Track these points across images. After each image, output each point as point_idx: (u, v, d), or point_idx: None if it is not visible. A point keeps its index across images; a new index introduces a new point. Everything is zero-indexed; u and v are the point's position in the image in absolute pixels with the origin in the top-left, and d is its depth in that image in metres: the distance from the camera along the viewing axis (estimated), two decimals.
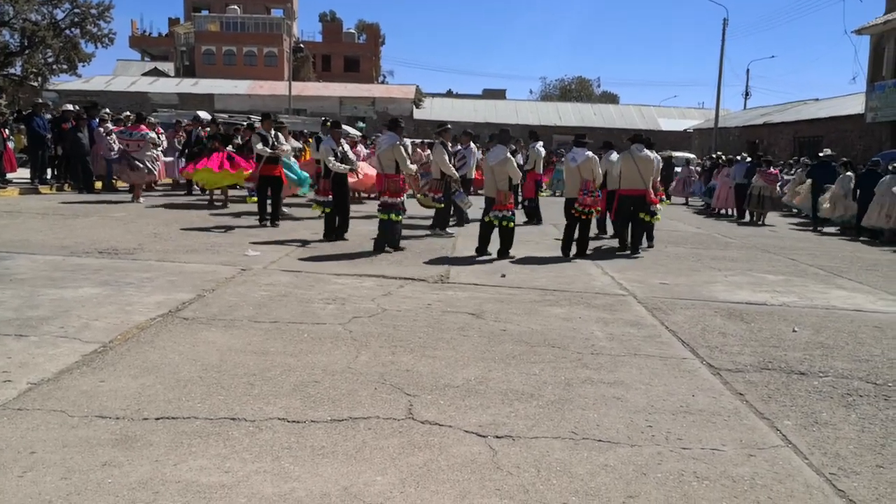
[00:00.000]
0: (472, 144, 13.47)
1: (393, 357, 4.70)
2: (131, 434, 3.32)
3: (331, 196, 9.94)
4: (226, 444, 3.27)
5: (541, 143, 14.43)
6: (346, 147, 10.52)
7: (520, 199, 14.31)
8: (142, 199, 14.12)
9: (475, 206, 11.55)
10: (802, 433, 3.76)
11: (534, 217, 13.91)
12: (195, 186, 15.71)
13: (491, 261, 9.04)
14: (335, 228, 10.18)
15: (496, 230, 9.26)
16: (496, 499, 2.89)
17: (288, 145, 11.85)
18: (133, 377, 4.08)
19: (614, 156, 11.11)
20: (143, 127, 14.59)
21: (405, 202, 9.67)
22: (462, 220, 12.84)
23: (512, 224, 9.19)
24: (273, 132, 11.40)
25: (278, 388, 4.03)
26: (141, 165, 14.04)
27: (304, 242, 9.75)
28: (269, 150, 11.10)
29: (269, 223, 11.25)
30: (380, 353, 4.77)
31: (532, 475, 3.11)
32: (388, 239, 9.31)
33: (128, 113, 19.00)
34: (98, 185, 15.86)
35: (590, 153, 9.56)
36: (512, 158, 9.41)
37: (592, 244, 11.01)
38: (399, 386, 4.15)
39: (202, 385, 4.01)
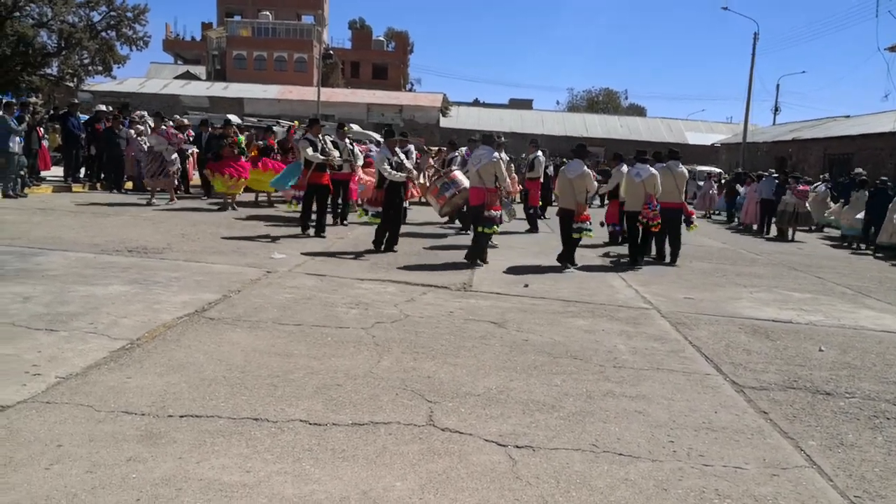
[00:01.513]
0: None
1: (415, 363, 4.72)
2: (156, 431, 3.37)
3: (382, 207, 9.53)
4: (248, 443, 3.30)
5: (541, 151, 14.51)
6: (402, 156, 10.06)
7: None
8: (176, 201, 14.08)
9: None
10: (827, 454, 3.71)
11: (533, 225, 13.96)
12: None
13: (560, 269, 9.33)
14: (385, 240, 9.76)
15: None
16: None
17: (337, 152, 11.27)
18: (159, 375, 4.14)
19: (625, 168, 11.41)
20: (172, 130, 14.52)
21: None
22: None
23: (591, 235, 9.73)
24: (321, 137, 10.95)
25: (301, 390, 4.06)
26: (170, 171, 13.97)
27: (357, 255, 9.41)
28: (320, 157, 10.60)
29: (312, 233, 10.73)
30: (402, 359, 4.78)
31: (551, 486, 3.10)
32: (482, 252, 9.29)
33: (102, 106, 18.87)
34: (129, 185, 16.13)
35: (652, 169, 10.06)
36: (590, 172, 9.68)
37: (605, 257, 10.98)
38: (420, 392, 4.16)
39: (226, 385, 4.05)
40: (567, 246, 9.57)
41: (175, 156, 14.17)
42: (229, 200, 13.78)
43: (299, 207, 11.10)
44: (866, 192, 15.68)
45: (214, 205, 14.11)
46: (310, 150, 10.57)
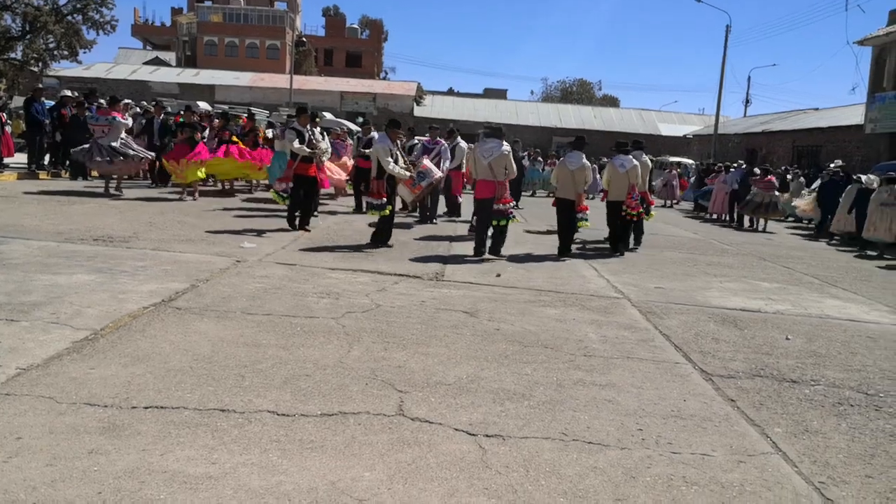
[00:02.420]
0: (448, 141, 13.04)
1: (385, 353, 4.69)
2: (119, 422, 3.30)
3: (385, 198, 9.13)
4: (214, 435, 3.25)
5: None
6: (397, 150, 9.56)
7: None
8: (121, 190, 13.09)
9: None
10: (793, 441, 3.76)
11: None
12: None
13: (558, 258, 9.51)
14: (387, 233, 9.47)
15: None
16: (484, 498, 2.88)
17: (326, 143, 10.80)
18: (123, 365, 4.06)
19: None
20: (114, 112, 12.83)
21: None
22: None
23: (588, 225, 10.04)
24: (309, 128, 10.35)
25: (269, 380, 4.01)
26: (118, 156, 12.53)
27: (328, 245, 9.44)
28: (307, 150, 10.02)
29: (297, 227, 10.23)
30: (372, 349, 4.75)
31: (521, 475, 3.09)
32: (501, 244, 9.28)
33: (67, 92, 17.94)
34: (94, 172, 15.77)
35: (635, 160, 10.31)
36: (588, 165, 9.90)
37: (576, 245, 11.04)
38: (390, 382, 4.13)
39: (192, 375, 3.99)
40: (565, 234, 9.78)
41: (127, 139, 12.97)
42: (190, 190, 13.13)
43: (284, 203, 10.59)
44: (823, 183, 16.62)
45: (174, 193, 13.64)
46: (296, 143, 10.01)
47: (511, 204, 9.28)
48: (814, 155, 30.46)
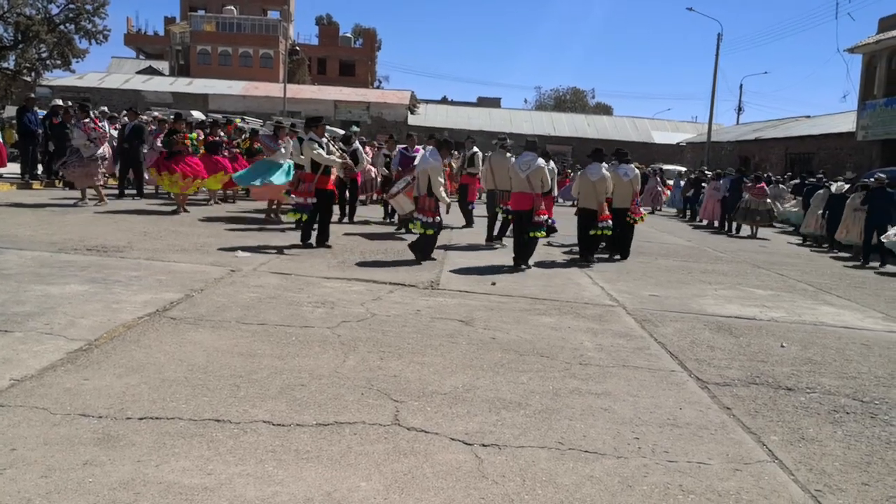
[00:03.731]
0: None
1: (381, 362, 4.68)
2: (114, 433, 3.28)
3: (439, 217, 9.14)
4: (209, 445, 3.23)
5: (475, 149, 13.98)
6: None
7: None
8: (90, 201, 12.55)
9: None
10: (789, 449, 3.77)
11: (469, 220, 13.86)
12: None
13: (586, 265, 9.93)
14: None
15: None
16: None
17: (338, 153, 10.43)
18: (118, 376, 4.04)
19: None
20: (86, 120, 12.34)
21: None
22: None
23: (609, 232, 10.30)
24: (326, 139, 9.83)
25: (264, 390, 3.99)
26: (83, 165, 12.17)
27: (323, 253, 9.62)
28: (337, 159, 9.64)
29: (316, 244, 9.66)
30: (367, 358, 4.74)
31: (517, 485, 3.09)
32: (531, 253, 9.43)
33: (59, 101, 17.22)
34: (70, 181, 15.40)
35: (636, 169, 10.90)
36: (608, 175, 10.23)
37: (567, 255, 11.07)
38: (386, 391, 4.12)
39: (187, 386, 3.97)
40: (588, 242, 10.21)
41: (101, 151, 12.47)
42: (180, 201, 12.51)
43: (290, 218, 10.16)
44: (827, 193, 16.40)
45: (168, 205, 13.12)
46: (323, 152, 9.41)
47: (546, 216, 9.57)
48: (806, 162, 30.64)
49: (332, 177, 9.80)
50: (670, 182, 27.29)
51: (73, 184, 13.09)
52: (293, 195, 9.96)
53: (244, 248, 8.93)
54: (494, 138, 15.36)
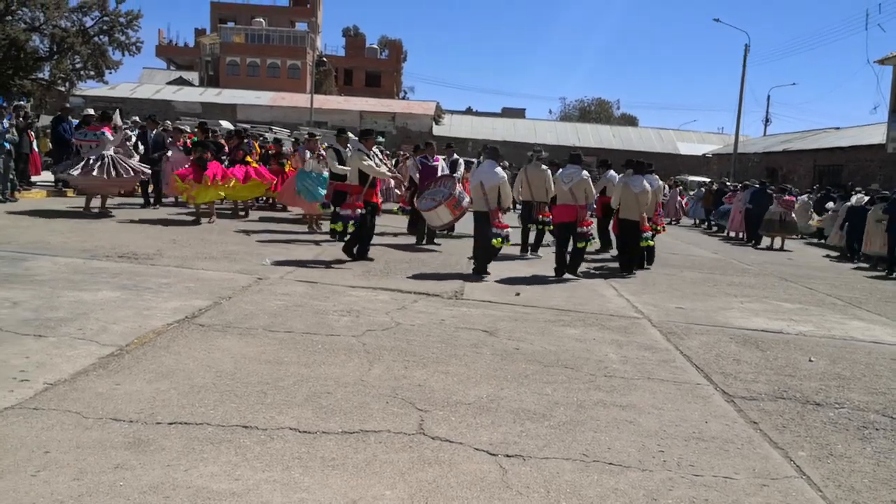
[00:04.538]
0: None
1: (405, 371, 4.71)
2: (144, 438, 3.35)
3: (508, 228, 9.14)
4: (237, 451, 3.28)
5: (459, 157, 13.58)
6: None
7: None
8: (96, 209, 12.19)
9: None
10: (817, 465, 3.72)
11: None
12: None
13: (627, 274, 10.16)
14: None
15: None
16: None
17: (385, 166, 10.26)
18: (148, 381, 4.12)
19: (611, 173, 12.57)
20: (106, 128, 12.10)
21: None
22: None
23: (651, 243, 10.74)
24: (374, 150, 9.65)
25: (291, 397, 4.04)
26: (103, 172, 11.54)
27: (349, 263, 9.67)
28: (387, 173, 9.50)
29: (357, 256, 9.43)
30: (392, 367, 4.77)
31: (542, 496, 3.09)
32: (578, 264, 9.61)
33: (90, 111, 17.45)
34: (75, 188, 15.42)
35: (659, 181, 11.24)
36: (649, 188, 10.44)
37: (598, 264, 11.03)
38: (411, 400, 4.15)
39: (216, 392, 4.03)
40: (628, 255, 10.37)
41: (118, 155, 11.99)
42: (207, 211, 12.33)
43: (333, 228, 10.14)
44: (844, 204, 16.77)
45: (189, 216, 12.80)
46: (373, 164, 9.27)
47: (590, 227, 9.70)
48: (835, 174, 30.23)
49: (377, 188, 9.80)
50: (691, 192, 27.32)
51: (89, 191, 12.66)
52: (340, 208, 9.68)
53: (275, 261, 8.96)
54: (530, 150, 15.31)
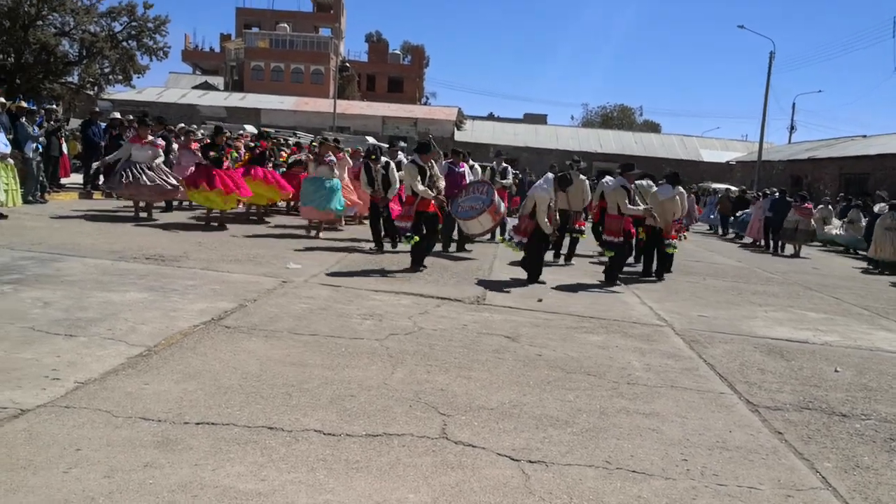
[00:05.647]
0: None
1: (428, 376, 4.73)
2: (172, 437, 3.40)
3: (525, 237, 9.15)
4: (263, 452, 3.33)
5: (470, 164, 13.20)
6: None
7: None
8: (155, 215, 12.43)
9: None
10: (843, 476, 3.68)
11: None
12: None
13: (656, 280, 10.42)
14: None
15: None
16: None
17: (444, 182, 10.03)
18: (176, 382, 4.18)
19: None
20: (157, 145, 12.41)
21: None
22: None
23: (676, 249, 10.92)
24: (431, 164, 9.51)
25: (315, 400, 4.08)
26: (149, 181, 11.88)
27: (372, 267, 9.75)
28: (431, 194, 9.33)
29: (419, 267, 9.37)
30: (415, 371, 4.80)
31: (564, 502, 3.10)
32: (616, 275, 9.79)
33: (130, 117, 17.57)
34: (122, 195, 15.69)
35: (682, 188, 11.01)
36: (677, 198, 10.60)
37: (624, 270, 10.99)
38: (433, 405, 4.17)
39: (242, 393, 4.08)
40: (655, 263, 10.67)
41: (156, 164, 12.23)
42: (215, 214, 12.22)
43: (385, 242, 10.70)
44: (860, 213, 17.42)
45: (200, 220, 12.64)
46: (420, 186, 9.25)
47: (614, 237, 9.84)
48: (862, 183, 29.79)
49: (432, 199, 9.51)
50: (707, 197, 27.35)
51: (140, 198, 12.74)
52: (399, 220, 9.71)
53: (296, 259, 9.08)
54: (568, 159, 15.26)
